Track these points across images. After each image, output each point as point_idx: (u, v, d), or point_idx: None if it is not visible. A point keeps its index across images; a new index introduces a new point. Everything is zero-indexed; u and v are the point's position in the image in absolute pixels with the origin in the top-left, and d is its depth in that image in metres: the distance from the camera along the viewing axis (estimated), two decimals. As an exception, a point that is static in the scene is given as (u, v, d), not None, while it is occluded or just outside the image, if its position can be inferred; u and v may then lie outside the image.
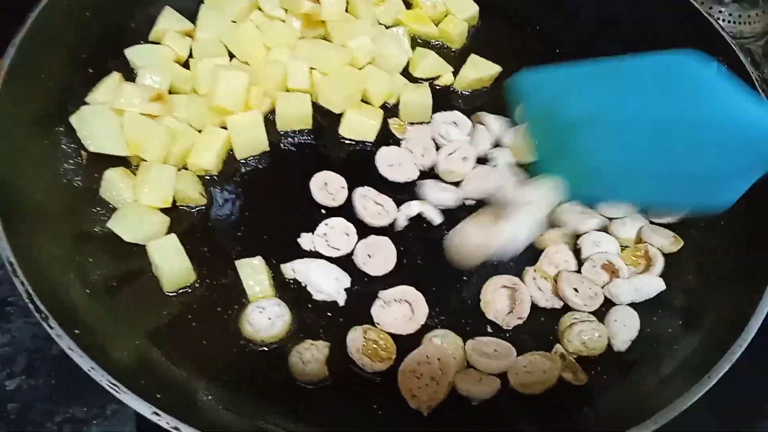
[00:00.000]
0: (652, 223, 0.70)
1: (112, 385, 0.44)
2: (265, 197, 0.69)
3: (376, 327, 0.61)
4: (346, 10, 0.78)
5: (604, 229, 0.70)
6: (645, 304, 0.65)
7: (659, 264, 0.66)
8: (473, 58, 0.79)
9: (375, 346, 0.59)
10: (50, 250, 0.56)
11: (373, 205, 0.68)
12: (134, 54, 0.72)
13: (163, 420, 0.44)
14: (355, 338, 0.59)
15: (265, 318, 0.59)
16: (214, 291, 0.62)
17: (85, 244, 0.61)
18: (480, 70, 0.78)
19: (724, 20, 0.92)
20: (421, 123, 0.75)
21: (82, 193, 0.64)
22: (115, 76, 0.69)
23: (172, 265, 0.60)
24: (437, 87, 0.79)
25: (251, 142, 0.70)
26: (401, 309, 0.62)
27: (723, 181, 0.49)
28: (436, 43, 0.83)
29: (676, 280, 0.66)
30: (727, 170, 0.48)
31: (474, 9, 0.83)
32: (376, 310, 0.62)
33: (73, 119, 0.65)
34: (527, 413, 0.59)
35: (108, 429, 0.63)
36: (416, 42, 0.82)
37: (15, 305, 0.69)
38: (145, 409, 0.44)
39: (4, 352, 0.67)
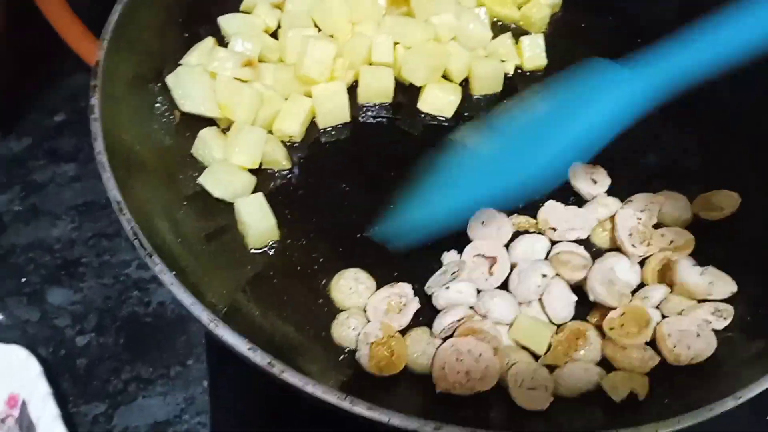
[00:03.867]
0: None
1: (211, 320, 0.46)
2: (344, 167, 0.71)
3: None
4: (431, -11, 0.79)
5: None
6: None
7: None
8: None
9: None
10: (148, 200, 0.58)
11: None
12: (226, 22, 0.75)
13: (258, 356, 0.45)
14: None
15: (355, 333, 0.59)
16: (294, 251, 0.64)
17: (176, 197, 0.64)
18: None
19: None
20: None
21: (173, 149, 0.67)
22: (209, 41, 0.72)
23: (258, 222, 0.62)
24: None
25: (334, 111, 0.72)
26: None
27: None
28: (514, 26, 0.83)
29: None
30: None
31: None
32: None
33: (170, 79, 0.68)
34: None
35: (171, 389, 0.66)
36: (496, 24, 0.83)
37: (87, 266, 0.73)
38: (241, 344, 0.46)
39: (76, 309, 0.70)
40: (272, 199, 0.65)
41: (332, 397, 0.44)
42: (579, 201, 0.69)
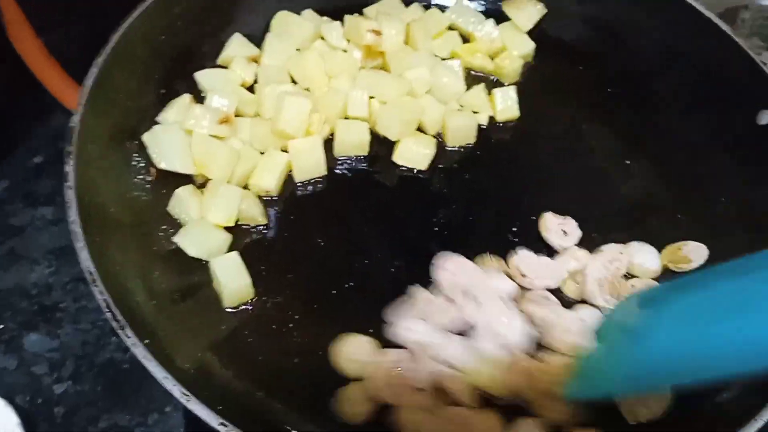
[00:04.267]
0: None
1: (183, 394, 0.46)
2: (320, 221, 0.71)
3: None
4: (405, 43, 0.81)
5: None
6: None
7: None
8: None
9: None
10: (122, 262, 0.58)
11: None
12: (203, 77, 0.76)
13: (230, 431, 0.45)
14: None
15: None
16: (270, 309, 0.64)
17: (151, 257, 0.64)
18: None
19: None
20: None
21: (150, 206, 0.67)
22: (185, 98, 0.73)
23: (233, 281, 0.63)
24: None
25: (310, 165, 0.73)
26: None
27: None
28: (487, 77, 0.85)
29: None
30: None
31: (530, 46, 0.85)
32: None
33: (146, 137, 0.68)
34: None
35: None
36: (470, 75, 0.85)
37: (65, 311, 0.73)
38: (212, 419, 0.46)
39: (53, 357, 0.70)
40: (248, 255, 0.65)
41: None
42: (550, 252, 0.70)
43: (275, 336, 0.62)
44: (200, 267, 0.65)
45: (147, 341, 0.50)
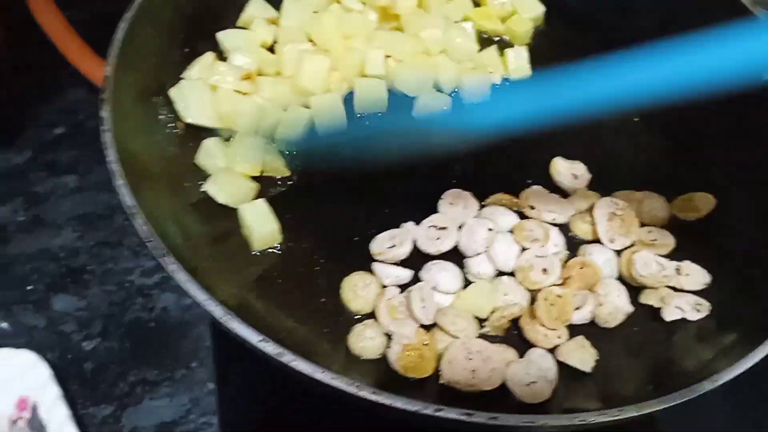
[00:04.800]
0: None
1: (225, 314, 0.49)
2: (340, 173, 0.73)
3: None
4: (419, 6, 0.84)
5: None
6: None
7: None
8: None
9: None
10: (156, 205, 0.61)
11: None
12: (225, 37, 0.78)
13: (270, 347, 0.48)
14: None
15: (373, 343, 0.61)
16: (296, 253, 0.67)
17: (182, 203, 0.66)
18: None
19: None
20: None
21: (178, 158, 0.70)
22: (209, 56, 0.75)
23: (261, 226, 0.65)
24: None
25: (332, 120, 0.75)
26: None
27: None
28: (500, 39, 0.88)
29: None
30: None
31: (540, 9, 0.88)
32: None
33: (173, 92, 0.71)
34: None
35: (176, 391, 0.68)
36: (482, 38, 0.87)
37: (92, 273, 0.75)
38: (253, 336, 0.48)
39: (81, 316, 0.72)
40: (274, 204, 0.68)
41: (341, 383, 0.46)
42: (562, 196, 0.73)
43: (302, 278, 0.65)
44: (230, 214, 0.67)
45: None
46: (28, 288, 0.74)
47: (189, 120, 0.71)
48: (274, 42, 0.80)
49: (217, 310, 0.49)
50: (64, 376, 0.67)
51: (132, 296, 0.74)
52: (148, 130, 0.69)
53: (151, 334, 0.72)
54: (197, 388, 0.69)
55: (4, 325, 0.71)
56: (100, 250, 0.77)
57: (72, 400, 0.66)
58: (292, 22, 0.80)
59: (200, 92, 0.71)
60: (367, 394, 0.47)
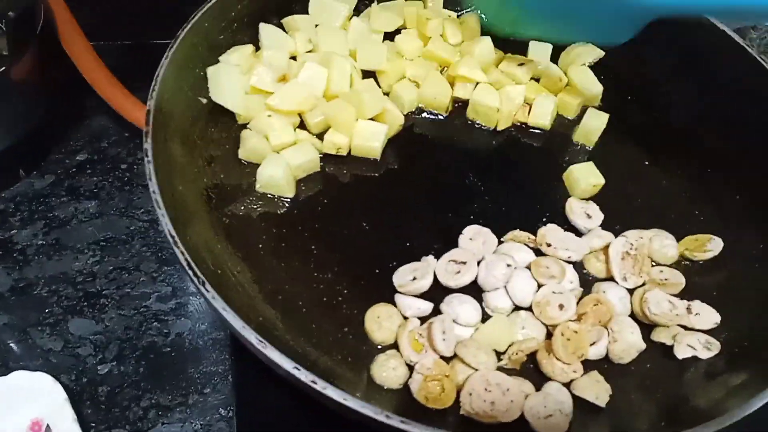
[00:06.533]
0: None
1: (259, 341, 0.50)
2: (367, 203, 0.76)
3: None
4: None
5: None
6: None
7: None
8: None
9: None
10: (192, 233, 0.62)
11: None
12: (265, 31, 0.82)
13: (303, 374, 0.49)
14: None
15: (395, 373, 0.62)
16: (321, 283, 0.68)
17: (213, 232, 0.68)
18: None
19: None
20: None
21: (208, 188, 0.73)
22: (249, 47, 0.80)
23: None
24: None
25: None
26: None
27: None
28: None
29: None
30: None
31: (598, 88, 0.88)
32: None
33: (210, 70, 0.75)
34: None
35: (189, 416, 0.69)
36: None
37: (109, 298, 0.76)
38: (287, 363, 0.49)
39: (98, 339, 0.73)
40: (298, 239, 0.70)
41: (370, 411, 0.48)
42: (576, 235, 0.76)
43: (326, 307, 0.66)
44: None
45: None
46: (46, 311, 0.75)
47: (215, 99, 0.75)
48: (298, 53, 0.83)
49: (252, 337, 0.50)
50: (78, 399, 0.68)
51: (148, 321, 0.75)
52: (185, 164, 0.71)
53: (165, 359, 0.72)
54: (210, 414, 0.69)
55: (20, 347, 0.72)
56: (118, 275, 0.78)
57: (86, 423, 0.66)
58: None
59: (234, 78, 0.76)
60: (396, 422, 0.48)
